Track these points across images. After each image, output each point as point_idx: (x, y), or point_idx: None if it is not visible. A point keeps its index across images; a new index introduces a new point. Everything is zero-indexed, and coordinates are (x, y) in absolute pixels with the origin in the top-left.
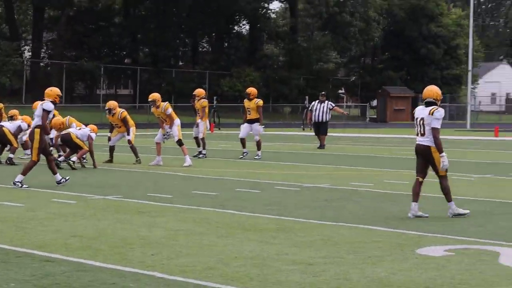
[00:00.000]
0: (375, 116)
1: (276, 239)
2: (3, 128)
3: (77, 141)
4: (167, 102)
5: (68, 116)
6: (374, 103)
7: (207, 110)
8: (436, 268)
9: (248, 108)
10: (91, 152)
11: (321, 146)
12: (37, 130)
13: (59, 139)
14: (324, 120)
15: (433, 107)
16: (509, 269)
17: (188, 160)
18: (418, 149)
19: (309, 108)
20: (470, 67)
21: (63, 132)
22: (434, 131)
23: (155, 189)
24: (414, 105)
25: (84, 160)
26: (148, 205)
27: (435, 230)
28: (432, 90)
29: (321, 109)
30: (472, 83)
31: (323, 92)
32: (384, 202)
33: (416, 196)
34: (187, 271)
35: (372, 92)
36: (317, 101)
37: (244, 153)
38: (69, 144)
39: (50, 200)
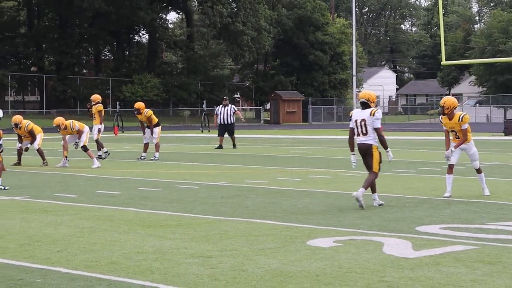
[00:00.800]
0: (268, 118)
1: (175, 234)
2: None
3: None
4: (149, 109)
5: None
6: (268, 106)
7: (102, 114)
8: (325, 258)
9: (142, 121)
10: None
11: (233, 146)
12: None
13: None
14: (229, 122)
15: (372, 108)
16: (392, 257)
17: (96, 163)
18: (361, 148)
19: (215, 112)
20: (354, 72)
21: None
22: (378, 130)
23: (61, 190)
24: (305, 107)
25: None
26: (54, 204)
27: (325, 223)
28: (367, 92)
29: (225, 112)
30: (357, 87)
31: (225, 97)
32: (277, 198)
33: (373, 189)
34: (92, 266)
35: (266, 96)
36: (221, 105)
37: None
38: None
39: None
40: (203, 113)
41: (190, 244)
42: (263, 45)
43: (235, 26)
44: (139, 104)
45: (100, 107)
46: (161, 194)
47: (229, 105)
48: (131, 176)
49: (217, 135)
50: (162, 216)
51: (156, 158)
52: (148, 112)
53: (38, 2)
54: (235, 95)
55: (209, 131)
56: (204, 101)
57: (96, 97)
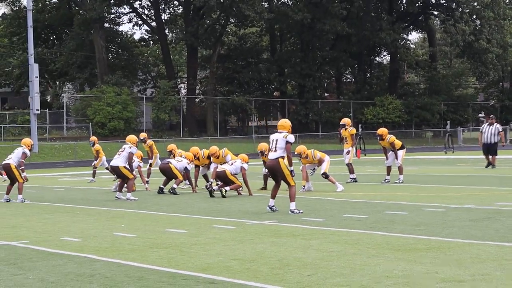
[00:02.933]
0: None
1: (425, 258)
2: (170, 164)
3: (231, 177)
4: (391, 135)
5: (224, 148)
6: None
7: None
8: None
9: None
10: (245, 181)
11: (492, 166)
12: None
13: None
14: (493, 141)
15: None
16: None
17: (340, 186)
18: None
19: (480, 130)
20: None
21: (219, 169)
22: None
23: (308, 213)
24: None
25: (240, 189)
26: (302, 228)
27: None
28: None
29: (490, 131)
30: None
31: (491, 115)
32: None
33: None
34: None
35: None
36: (486, 123)
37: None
38: (222, 179)
39: (211, 226)
40: (447, 133)
41: (440, 269)
42: (509, 62)
43: (479, 44)
44: (382, 130)
45: (353, 130)
46: (408, 217)
47: (495, 124)
48: (376, 199)
49: (465, 156)
50: (411, 239)
51: (400, 181)
52: (391, 138)
53: (280, 27)
54: (480, 115)
55: (453, 152)
56: (448, 122)
57: (347, 120)
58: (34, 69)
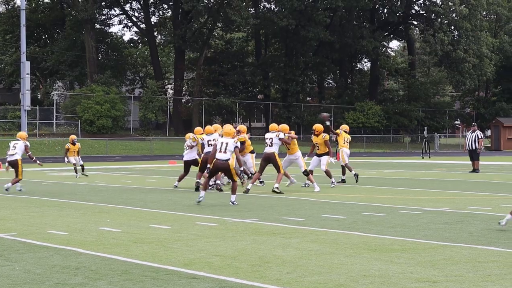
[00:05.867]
0: (489, 145)
1: (400, 259)
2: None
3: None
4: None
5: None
6: (488, 133)
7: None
8: None
9: (316, 143)
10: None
11: (476, 171)
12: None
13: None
14: (474, 147)
15: None
16: None
17: (316, 187)
18: None
19: (466, 137)
20: None
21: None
22: None
23: (287, 213)
24: None
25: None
26: (282, 227)
27: None
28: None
29: (471, 138)
30: None
31: (474, 123)
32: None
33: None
34: None
35: (486, 123)
36: (470, 131)
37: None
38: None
39: (194, 223)
40: (424, 139)
41: (415, 269)
42: (484, 72)
43: (456, 54)
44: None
45: (326, 137)
46: (385, 219)
47: (476, 132)
48: (354, 201)
49: (441, 161)
50: (387, 240)
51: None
52: (326, 136)
53: (265, 32)
54: (456, 122)
55: (429, 157)
56: (425, 128)
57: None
58: (25, 66)
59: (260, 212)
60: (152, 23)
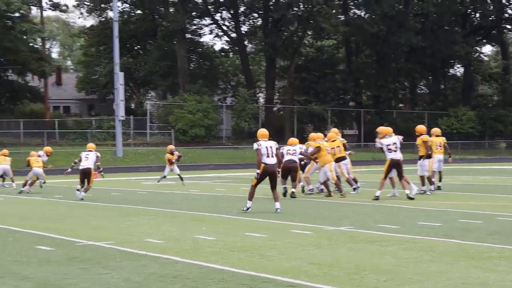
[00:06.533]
0: None
1: (499, 267)
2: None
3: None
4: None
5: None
6: None
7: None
8: None
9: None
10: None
11: None
12: None
13: None
14: None
15: None
16: None
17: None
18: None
19: None
20: None
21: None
22: None
23: (383, 220)
24: None
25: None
26: (378, 235)
27: None
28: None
29: None
30: None
31: None
32: None
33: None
34: None
35: None
36: None
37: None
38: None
39: (289, 231)
40: None
41: None
42: None
43: None
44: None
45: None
46: (482, 226)
47: None
48: (450, 208)
49: None
50: (485, 248)
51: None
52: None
53: (356, 40)
54: None
55: None
56: None
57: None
58: (119, 77)
59: (355, 219)
60: (243, 32)
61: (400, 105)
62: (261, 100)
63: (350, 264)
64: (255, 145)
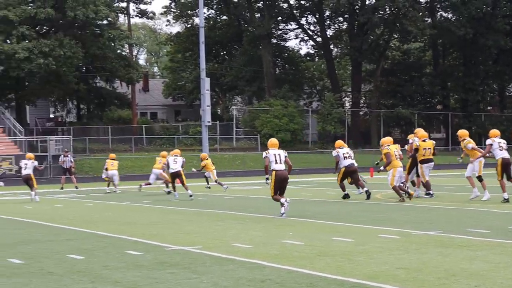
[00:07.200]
0: None
1: None
2: None
3: None
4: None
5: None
6: None
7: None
8: None
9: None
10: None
11: None
12: None
13: None
14: None
15: None
16: None
17: (487, 195)
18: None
19: None
20: None
21: None
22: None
23: (473, 225)
24: None
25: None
26: (468, 239)
27: None
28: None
29: None
30: None
31: None
32: None
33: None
34: None
35: None
36: None
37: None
38: None
39: (376, 235)
40: None
41: None
42: None
43: None
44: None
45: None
46: None
47: None
48: None
49: None
50: None
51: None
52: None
53: (443, 42)
54: None
55: None
56: None
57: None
58: (205, 83)
59: (443, 224)
60: (328, 36)
61: (489, 108)
62: (347, 104)
63: (439, 268)
64: (264, 154)
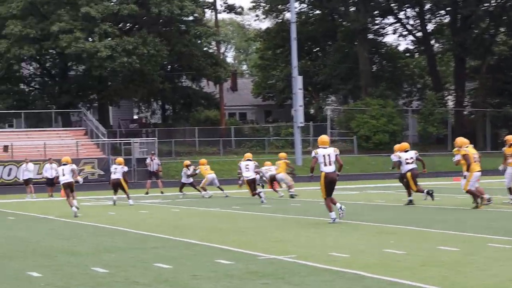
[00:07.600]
0: None
1: None
2: None
3: None
4: None
5: None
6: None
7: None
8: None
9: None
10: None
11: None
12: None
13: None
14: None
15: None
16: None
17: None
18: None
19: None
20: None
21: None
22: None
23: None
24: None
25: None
26: None
27: None
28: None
29: None
30: None
31: None
32: None
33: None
34: None
35: None
36: None
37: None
38: None
39: (485, 245)
40: None
41: None
42: None
43: None
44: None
45: None
46: None
47: None
48: None
49: None
50: None
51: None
52: None
53: None
54: None
55: None
56: None
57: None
58: (297, 81)
59: None
60: (429, 30)
61: None
62: (450, 103)
63: None
64: (313, 153)
